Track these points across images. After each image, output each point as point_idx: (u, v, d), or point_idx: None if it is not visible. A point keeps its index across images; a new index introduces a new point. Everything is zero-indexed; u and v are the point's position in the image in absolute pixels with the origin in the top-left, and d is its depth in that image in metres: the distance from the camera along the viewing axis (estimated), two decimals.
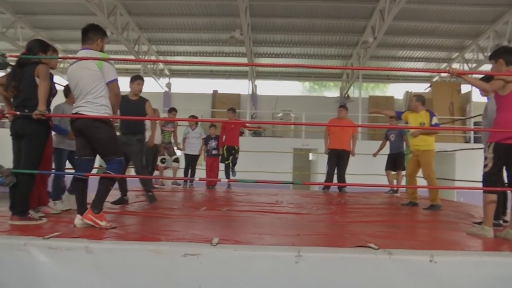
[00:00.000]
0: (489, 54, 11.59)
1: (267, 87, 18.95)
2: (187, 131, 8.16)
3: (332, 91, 19.56)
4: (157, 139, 7.42)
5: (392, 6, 10.75)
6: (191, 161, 8.13)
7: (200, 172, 8.38)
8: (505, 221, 3.79)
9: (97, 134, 3.13)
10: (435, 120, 5.34)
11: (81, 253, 2.47)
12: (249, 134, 14.73)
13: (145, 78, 18.87)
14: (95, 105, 3.13)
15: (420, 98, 5.65)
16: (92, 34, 3.32)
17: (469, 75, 3.55)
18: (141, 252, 2.52)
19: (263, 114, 17.55)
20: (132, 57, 14.52)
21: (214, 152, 8.14)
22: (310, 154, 15.65)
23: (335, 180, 7.56)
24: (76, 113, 3.17)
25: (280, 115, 15.91)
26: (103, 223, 3.01)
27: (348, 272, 2.41)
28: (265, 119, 16.96)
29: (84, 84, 3.15)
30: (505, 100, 3.23)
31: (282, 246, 2.59)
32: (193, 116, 8.69)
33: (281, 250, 2.49)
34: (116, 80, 3.22)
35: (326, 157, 7.65)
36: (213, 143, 8.16)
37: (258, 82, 18.70)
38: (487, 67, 14.27)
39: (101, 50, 3.34)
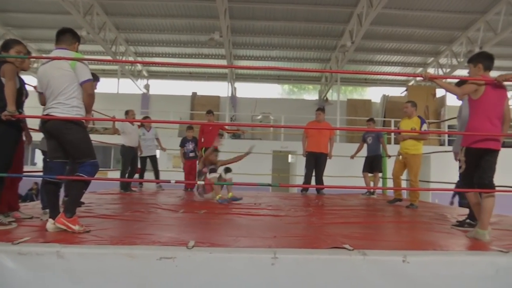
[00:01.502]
0: (462, 59, 11.92)
1: (247, 90, 19.00)
2: (142, 133, 7.90)
3: (311, 94, 19.77)
4: (135, 142, 7.32)
5: (370, 11, 10.94)
6: (152, 161, 8.03)
7: (179, 174, 8.32)
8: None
9: (69, 135, 3.05)
10: (424, 127, 5.66)
11: (52, 258, 2.40)
12: (229, 137, 14.70)
13: (122, 80, 18.56)
14: (67, 107, 3.05)
15: (414, 104, 5.93)
16: (71, 35, 3.26)
17: (441, 80, 3.64)
18: (115, 256, 2.47)
19: (242, 116, 17.57)
20: (109, 57, 14.28)
21: (191, 154, 8.08)
22: (289, 156, 15.74)
23: (313, 182, 7.62)
24: (47, 115, 3.09)
25: (259, 117, 15.95)
26: (76, 227, 2.94)
27: (323, 273, 2.42)
28: (245, 121, 16.98)
29: (56, 84, 3.07)
30: (476, 105, 3.32)
31: (258, 248, 2.58)
32: (147, 117, 8.57)
33: (257, 252, 2.49)
34: (90, 80, 3.15)
35: (305, 159, 7.71)
36: (190, 146, 8.09)
37: (237, 85, 18.71)
38: (460, 72, 14.70)
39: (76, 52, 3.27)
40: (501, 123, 3.32)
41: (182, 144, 8.18)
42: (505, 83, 3.23)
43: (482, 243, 3.01)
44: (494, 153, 3.25)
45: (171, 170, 8.36)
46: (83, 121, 3.21)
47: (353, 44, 12.75)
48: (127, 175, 7.11)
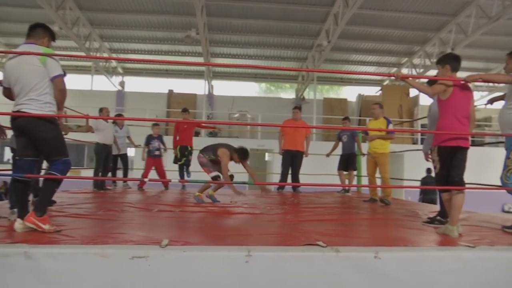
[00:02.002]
0: (435, 60, 12.24)
1: (224, 88, 18.95)
2: (115, 130, 7.72)
3: (288, 92, 19.88)
4: (109, 139, 7.18)
5: (346, 11, 11.10)
6: (122, 160, 7.88)
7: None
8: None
9: (42, 133, 2.97)
10: (390, 127, 5.86)
11: (19, 259, 2.33)
12: (205, 135, 14.62)
13: (97, 76, 18.20)
14: (40, 103, 2.97)
15: (381, 106, 6.18)
16: (42, 30, 3.18)
17: (413, 79, 3.73)
18: (86, 256, 2.42)
19: (219, 114, 17.50)
20: (83, 54, 13.95)
21: (157, 153, 7.82)
22: (266, 155, 15.79)
23: (290, 180, 7.67)
24: (18, 111, 2.99)
25: (236, 115, 15.92)
26: (46, 226, 2.86)
27: (297, 270, 2.44)
28: (222, 119, 16.92)
29: (26, 80, 2.97)
30: (445, 105, 3.42)
31: (233, 246, 2.58)
32: (120, 115, 8.40)
33: (231, 250, 2.48)
34: (61, 76, 3.07)
35: (281, 157, 7.74)
36: (155, 143, 7.83)
37: (214, 83, 18.63)
38: (433, 73, 15.09)
39: (47, 47, 3.18)
40: (469, 122, 3.44)
41: (147, 142, 7.87)
42: (474, 84, 3.34)
43: (451, 238, 3.10)
44: (464, 151, 3.36)
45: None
46: (56, 118, 3.13)
47: (329, 44, 12.90)
48: (100, 173, 6.97)
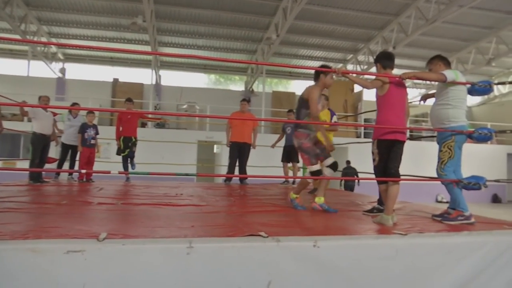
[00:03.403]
0: None
1: (172, 78, 18.55)
2: (67, 118, 7.42)
3: (237, 84, 19.87)
4: (48, 129, 6.80)
5: (294, 5, 11.26)
6: (72, 151, 7.51)
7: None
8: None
9: None
10: (334, 119, 5.98)
11: None
12: (152, 126, 14.27)
13: (34, 62, 17.12)
14: None
15: (327, 98, 6.28)
16: None
17: (352, 75, 3.89)
18: (16, 252, 2.27)
19: (167, 105, 17.15)
20: (18, 37, 13.00)
21: (92, 142, 7.46)
22: (215, 147, 15.73)
23: (237, 172, 7.70)
24: None
25: (184, 106, 15.69)
26: None
27: (239, 260, 2.46)
28: (170, 110, 16.59)
29: None
30: (383, 100, 3.61)
31: (174, 238, 2.55)
32: (76, 104, 8.01)
33: (172, 243, 2.45)
34: None
35: (229, 149, 7.75)
36: (91, 132, 7.45)
37: (162, 72, 18.18)
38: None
39: None
40: (405, 117, 3.65)
41: (83, 130, 7.40)
42: (414, 81, 3.54)
43: (385, 227, 3.28)
44: (401, 144, 3.56)
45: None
46: None
47: (278, 37, 13.04)
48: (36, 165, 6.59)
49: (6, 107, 13.28)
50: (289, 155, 7.83)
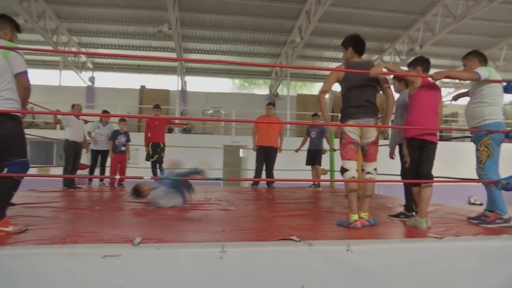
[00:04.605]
0: (404, 57, 12.51)
1: (197, 84, 18.77)
2: (97, 126, 7.63)
3: (261, 88, 19.91)
4: (79, 137, 7.01)
5: (318, 8, 11.20)
6: (102, 156, 7.70)
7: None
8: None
9: (2, 130, 2.79)
10: None
11: None
12: (179, 131, 14.48)
13: (65, 71, 17.60)
14: (1, 99, 2.82)
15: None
16: (4, 21, 3.01)
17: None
18: (55, 256, 2.35)
19: (192, 110, 17.36)
20: (50, 48, 13.48)
21: (123, 148, 7.60)
22: (241, 151, 15.80)
23: (264, 176, 7.71)
24: None
25: (210, 112, 15.84)
26: (9, 228, 2.75)
27: (271, 264, 2.46)
28: (195, 115, 16.79)
29: None
30: (413, 100, 3.54)
31: (206, 242, 2.57)
32: (105, 111, 8.22)
33: (205, 247, 2.48)
34: (25, 73, 2.93)
35: (255, 153, 7.76)
36: (122, 139, 7.61)
37: (187, 78, 18.43)
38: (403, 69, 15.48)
39: (10, 40, 3.03)
40: (437, 118, 3.55)
41: (114, 137, 7.60)
42: (442, 81, 3.46)
43: (419, 230, 3.20)
44: (433, 145, 3.45)
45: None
46: (19, 115, 2.98)
47: (302, 40, 13.00)
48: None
49: (39, 116, 13.80)
50: (312, 158, 7.81)
